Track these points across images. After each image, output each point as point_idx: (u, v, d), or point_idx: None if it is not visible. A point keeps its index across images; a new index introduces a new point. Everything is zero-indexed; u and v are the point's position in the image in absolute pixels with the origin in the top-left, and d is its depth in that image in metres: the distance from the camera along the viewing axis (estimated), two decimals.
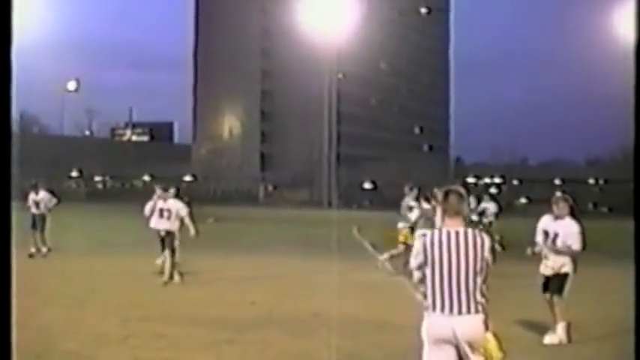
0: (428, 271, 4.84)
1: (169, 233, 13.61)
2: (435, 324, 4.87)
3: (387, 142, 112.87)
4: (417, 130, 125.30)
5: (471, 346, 4.71)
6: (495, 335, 4.77)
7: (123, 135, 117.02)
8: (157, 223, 13.80)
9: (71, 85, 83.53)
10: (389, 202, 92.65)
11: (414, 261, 4.97)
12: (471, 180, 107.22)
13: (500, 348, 4.72)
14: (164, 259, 13.66)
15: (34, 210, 17.87)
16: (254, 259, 18.27)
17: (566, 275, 8.60)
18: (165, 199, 13.95)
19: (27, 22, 45.98)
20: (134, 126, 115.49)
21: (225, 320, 9.80)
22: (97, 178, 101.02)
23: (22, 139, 65.48)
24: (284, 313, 10.33)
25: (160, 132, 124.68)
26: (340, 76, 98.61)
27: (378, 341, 8.73)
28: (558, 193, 8.24)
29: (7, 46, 2.96)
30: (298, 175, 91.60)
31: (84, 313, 10.16)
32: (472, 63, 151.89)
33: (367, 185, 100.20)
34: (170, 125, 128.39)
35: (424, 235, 5.02)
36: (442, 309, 4.78)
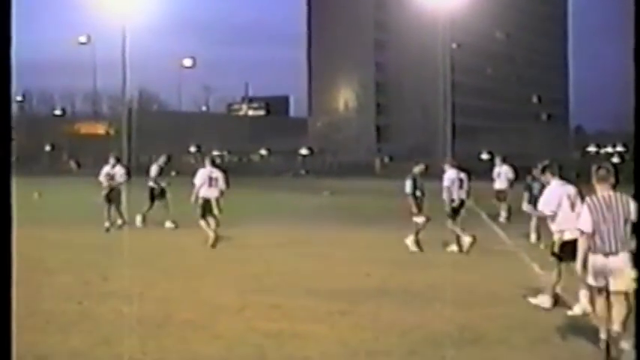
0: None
1: (217, 200, 15.32)
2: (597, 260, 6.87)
3: (504, 112, 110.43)
4: (534, 100, 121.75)
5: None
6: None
7: (239, 110, 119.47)
8: (208, 192, 15.36)
9: (187, 62, 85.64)
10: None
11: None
12: (591, 149, 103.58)
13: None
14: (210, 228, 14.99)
15: (108, 183, 17.79)
16: (369, 232, 18.29)
17: None
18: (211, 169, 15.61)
19: (144, 2, 47.43)
20: (250, 100, 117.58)
21: (338, 292, 9.88)
22: (215, 153, 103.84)
23: (141, 116, 67.85)
24: (398, 284, 10.32)
25: (276, 106, 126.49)
26: (455, 46, 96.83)
27: (492, 314, 8.59)
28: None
29: (7, 45, 3.00)
30: (414, 147, 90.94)
31: (201, 284, 10.48)
32: (591, 28, 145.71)
33: (484, 156, 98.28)
34: (286, 99, 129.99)
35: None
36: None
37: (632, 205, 6.63)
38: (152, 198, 18.56)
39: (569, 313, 8.63)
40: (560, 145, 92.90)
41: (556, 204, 8.93)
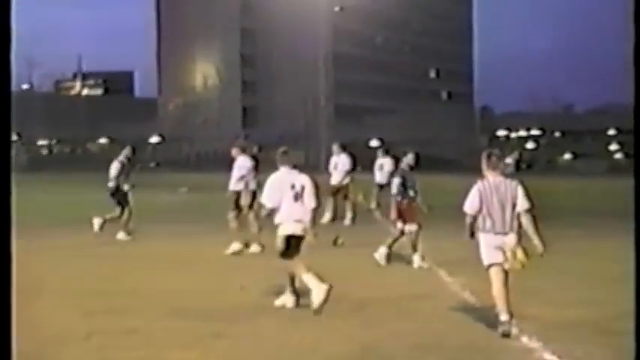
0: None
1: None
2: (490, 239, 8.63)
3: (397, 89, 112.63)
4: (432, 74, 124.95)
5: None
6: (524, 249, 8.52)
7: (71, 88, 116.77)
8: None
9: None
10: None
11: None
12: (501, 133, 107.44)
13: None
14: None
15: None
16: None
17: None
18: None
19: None
20: (84, 77, 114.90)
21: (209, 310, 9.79)
22: (41, 143, 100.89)
23: None
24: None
25: (117, 83, 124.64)
26: (337, 9, 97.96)
27: (398, 330, 8.73)
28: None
29: (7, 44, 3.51)
30: (288, 133, 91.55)
31: (32, 305, 10.13)
32: None
33: (374, 143, 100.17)
34: (129, 75, 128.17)
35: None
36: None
37: (519, 190, 8.72)
38: None
39: (277, 303, 9.89)
40: (464, 128, 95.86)
41: (278, 198, 9.92)
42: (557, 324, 9.02)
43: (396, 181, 13.90)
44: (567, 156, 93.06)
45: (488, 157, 8.83)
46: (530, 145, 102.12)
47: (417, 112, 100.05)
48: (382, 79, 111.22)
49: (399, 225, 13.78)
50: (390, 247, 13.89)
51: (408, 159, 14.05)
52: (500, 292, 8.55)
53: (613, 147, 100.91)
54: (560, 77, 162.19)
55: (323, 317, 9.39)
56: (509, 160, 17.88)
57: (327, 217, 21.03)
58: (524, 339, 8.25)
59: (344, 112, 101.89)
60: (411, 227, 13.75)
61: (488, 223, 8.61)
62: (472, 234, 8.78)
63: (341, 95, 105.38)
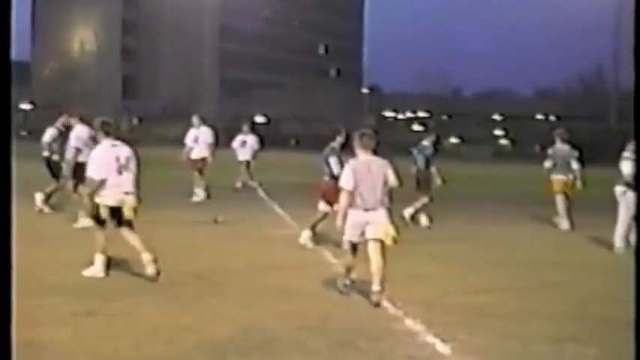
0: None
1: None
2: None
3: (284, 64, 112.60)
4: (321, 50, 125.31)
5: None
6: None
7: None
8: None
9: None
10: (283, 137, 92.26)
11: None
12: (389, 114, 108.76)
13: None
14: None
15: None
16: None
17: None
18: None
19: None
20: None
21: (87, 287, 9.63)
22: None
23: None
24: (162, 276, 10.21)
25: None
26: None
27: (284, 312, 8.76)
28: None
29: (7, 46, 3.57)
30: (171, 105, 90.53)
31: None
32: None
33: (259, 119, 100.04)
34: None
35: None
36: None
37: (389, 169, 9.45)
38: None
39: (85, 273, 10.25)
40: (351, 107, 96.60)
41: (104, 171, 10.24)
42: (441, 308, 9.21)
43: (333, 161, 13.63)
44: (454, 140, 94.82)
45: (361, 136, 9.56)
46: (417, 128, 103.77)
47: (305, 89, 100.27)
48: (270, 53, 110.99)
49: (322, 206, 13.61)
50: (313, 228, 13.79)
51: (342, 137, 13.86)
52: (352, 260, 9.59)
53: (497, 132, 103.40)
54: (450, 61, 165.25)
55: (202, 298, 9.34)
56: (426, 142, 18.18)
57: (200, 195, 20.66)
58: (409, 322, 8.39)
59: (230, 85, 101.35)
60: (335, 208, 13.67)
61: (359, 200, 9.26)
62: (345, 217, 9.36)
63: (227, 68, 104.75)
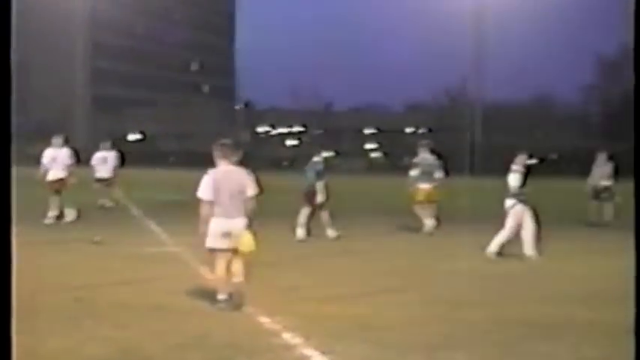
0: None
1: None
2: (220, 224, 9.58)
3: (158, 81, 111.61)
4: (194, 67, 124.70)
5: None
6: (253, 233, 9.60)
7: None
8: None
9: None
10: (159, 154, 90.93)
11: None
12: (263, 129, 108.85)
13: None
14: None
15: None
16: None
17: None
18: None
19: None
20: None
21: None
22: None
23: None
24: (36, 302, 9.92)
25: None
26: None
27: (159, 331, 8.63)
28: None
29: (7, 46, 3.62)
30: (45, 123, 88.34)
31: None
32: None
33: (133, 136, 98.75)
34: None
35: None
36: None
37: (248, 179, 9.77)
38: None
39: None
40: (225, 122, 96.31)
41: None
42: (319, 320, 9.23)
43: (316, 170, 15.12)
44: (328, 153, 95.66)
45: (221, 147, 9.87)
46: (291, 142, 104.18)
47: (178, 106, 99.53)
48: (143, 70, 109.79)
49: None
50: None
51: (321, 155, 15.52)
52: (222, 273, 9.67)
53: (369, 146, 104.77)
54: (321, 75, 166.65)
55: (74, 318, 9.12)
56: (316, 158, 18.54)
57: (71, 214, 20.15)
58: (286, 335, 8.38)
59: (103, 102, 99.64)
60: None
61: (218, 209, 9.55)
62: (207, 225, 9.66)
63: (100, 85, 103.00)
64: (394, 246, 17.19)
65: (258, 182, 10.00)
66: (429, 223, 19.22)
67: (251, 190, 9.76)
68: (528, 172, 15.32)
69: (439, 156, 19.65)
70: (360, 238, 18.42)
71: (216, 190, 9.57)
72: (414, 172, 19.30)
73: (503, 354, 7.77)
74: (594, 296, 11.26)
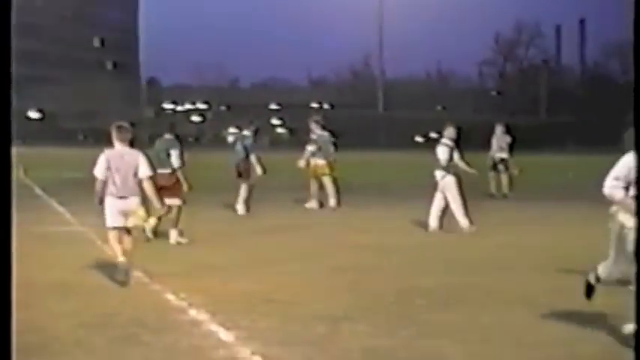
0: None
1: None
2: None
3: (59, 58, 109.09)
4: (97, 43, 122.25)
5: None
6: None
7: None
8: None
9: None
10: (61, 133, 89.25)
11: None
12: (168, 106, 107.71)
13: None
14: None
15: None
16: None
17: None
18: None
19: None
20: None
21: None
22: None
23: None
24: None
25: None
26: None
27: (61, 311, 8.52)
28: None
29: (7, 46, 3.57)
30: None
31: None
32: None
33: (33, 114, 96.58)
34: None
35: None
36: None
37: (142, 159, 10.03)
38: None
39: None
40: (129, 100, 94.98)
41: None
42: (224, 296, 9.25)
43: (175, 153, 13.72)
44: (232, 130, 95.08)
45: (118, 129, 10.08)
46: (196, 119, 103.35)
47: (81, 83, 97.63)
48: (43, 47, 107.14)
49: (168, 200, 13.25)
50: (176, 225, 13.61)
51: (172, 128, 14.49)
52: (118, 249, 9.91)
53: (275, 121, 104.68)
54: (226, 52, 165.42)
55: None
56: (247, 132, 18.51)
57: None
58: (193, 312, 8.37)
59: None
60: (172, 202, 13.43)
61: (113, 188, 9.82)
62: (101, 200, 9.97)
63: None
64: (300, 221, 17.26)
65: (151, 163, 10.33)
66: (331, 200, 19.43)
67: (144, 170, 10.01)
68: (458, 145, 15.58)
69: (332, 132, 20.01)
70: (265, 214, 18.44)
71: (110, 169, 9.83)
72: (311, 148, 19.52)
73: (404, 324, 7.91)
74: (494, 266, 11.53)
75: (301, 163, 19.18)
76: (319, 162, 19.39)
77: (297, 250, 12.99)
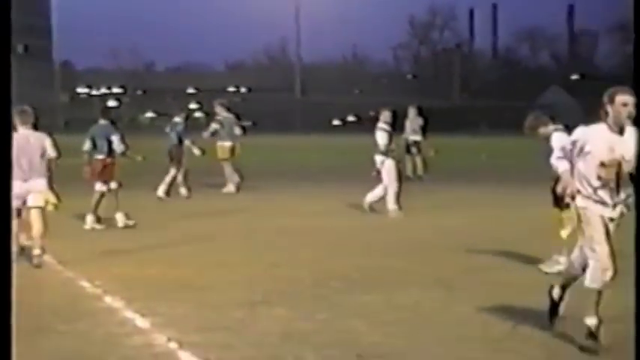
0: None
1: None
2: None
3: None
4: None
5: None
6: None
7: None
8: None
9: None
10: None
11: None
12: (83, 90, 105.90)
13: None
14: None
15: None
16: None
17: None
18: None
19: None
20: None
21: None
22: None
23: None
24: None
25: None
26: None
27: None
28: None
29: (7, 45, 3.62)
30: None
31: None
32: None
33: None
34: None
35: None
36: None
37: (47, 142, 10.21)
38: None
39: None
40: (43, 84, 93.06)
41: None
42: (140, 282, 9.12)
43: (116, 138, 13.62)
44: (149, 114, 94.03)
45: (20, 113, 10.14)
46: (112, 103, 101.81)
47: None
48: None
49: (99, 186, 13.50)
50: (95, 211, 13.52)
51: (110, 114, 14.53)
52: (16, 232, 9.88)
53: (192, 106, 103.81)
54: (141, 35, 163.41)
55: None
56: (177, 119, 18.36)
57: None
58: (108, 299, 8.24)
59: None
60: (112, 186, 13.56)
61: (19, 172, 9.75)
62: None
63: None
64: (218, 206, 17.12)
65: (56, 145, 10.36)
66: (232, 181, 19.53)
67: (50, 152, 10.19)
68: (394, 128, 15.73)
69: (237, 115, 20.22)
70: (183, 200, 18.27)
71: (17, 153, 9.71)
72: (214, 125, 19.54)
73: (321, 307, 7.92)
74: (411, 248, 11.63)
75: (196, 151, 18.55)
76: (225, 144, 19.44)
77: (215, 236, 12.88)
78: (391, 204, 15.24)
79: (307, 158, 35.11)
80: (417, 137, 24.00)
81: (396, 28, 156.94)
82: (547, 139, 9.54)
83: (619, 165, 6.51)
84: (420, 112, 24.59)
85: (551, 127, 9.72)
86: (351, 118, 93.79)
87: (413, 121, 24.20)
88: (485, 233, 12.94)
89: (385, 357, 6.36)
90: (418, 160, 23.89)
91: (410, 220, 14.76)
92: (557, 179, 9.57)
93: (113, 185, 13.59)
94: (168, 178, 18.07)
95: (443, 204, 17.22)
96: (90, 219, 13.45)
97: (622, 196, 6.60)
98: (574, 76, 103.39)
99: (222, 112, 19.71)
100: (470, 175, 25.86)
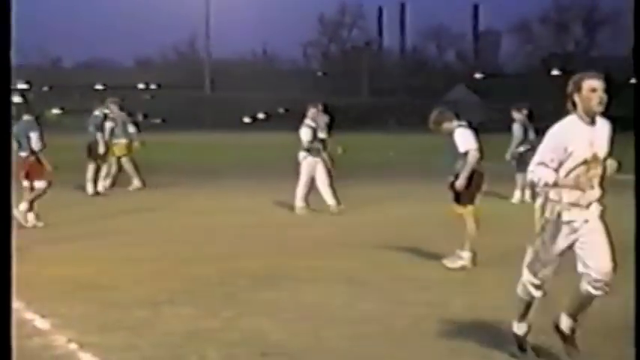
0: None
1: None
2: None
3: None
4: None
5: None
6: None
7: None
8: None
9: None
10: None
11: None
12: None
13: None
14: None
15: None
16: None
17: None
18: None
19: None
20: None
21: None
22: None
23: None
24: None
25: None
26: None
27: None
28: None
29: (7, 45, 3.68)
30: None
31: None
32: None
33: None
34: None
35: None
36: None
37: None
38: None
39: None
40: None
41: None
42: (40, 282, 8.83)
43: (35, 135, 13.29)
44: (56, 111, 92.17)
45: None
46: (16, 99, 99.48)
47: None
48: None
49: (26, 183, 13.09)
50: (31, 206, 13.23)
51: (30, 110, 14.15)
52: None
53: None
54: (46, 30, 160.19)
55: None
56: (97, 112, 18.74)
57: None
58: None
59: None
60: (39, 184, 13.15)
61: None
62: None
63: None
64: (127, 205, 16.81)
65: None
66: (134, 181, 19.45)
67: None
68: (331, 125, 15.91)
69: (129, 112, 20.35)
70: (91, 197, 17.93)
71: None
72: (110, 124, 19.29)
73: (227, 304, 7.82)
74: (320, 245, 11.59)
75: (100, 149, 18.35)
76: (121, 142, 19.30)
77: (124, 233, 12.63)
78: (300, 201, 15.24)
79: (219, 155, 34.85)
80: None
81: (305, 26, 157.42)
82: (451, 134, 9.74)
83: (602, 162, 5.77)
84: (326, 109, 24.55)
85: (455, 122, 9.86)
86: (261, 116, 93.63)
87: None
88: (392, 229, 13.00)
89: (290, 355, 6.30)
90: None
91: (318, 217, 14.75)
92: (456, 175, 9.75)
93: (42, 184, 13.19)
94: (89, 174, 17.93)
95: (350, 201, 17.26)
96: (30, 217, 13.19)
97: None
98: (478, 75, 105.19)
99: (115, 110, 19.54)
100: (378, 171, 26.00)
